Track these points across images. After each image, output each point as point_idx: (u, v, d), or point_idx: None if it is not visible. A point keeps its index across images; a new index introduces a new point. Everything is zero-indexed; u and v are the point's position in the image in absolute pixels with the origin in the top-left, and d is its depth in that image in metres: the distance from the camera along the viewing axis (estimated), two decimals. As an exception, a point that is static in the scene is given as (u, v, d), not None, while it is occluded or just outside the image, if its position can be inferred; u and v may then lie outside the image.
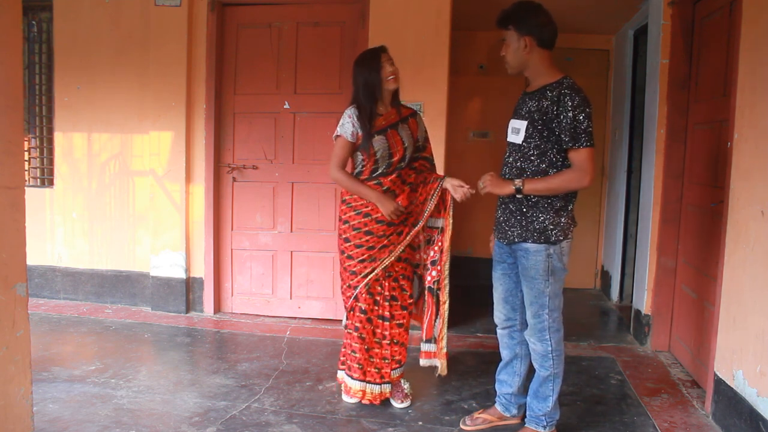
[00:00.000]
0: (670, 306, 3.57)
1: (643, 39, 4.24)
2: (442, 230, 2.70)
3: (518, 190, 2.29)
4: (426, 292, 2.73)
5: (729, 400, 2.52)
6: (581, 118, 2.19)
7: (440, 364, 2.72)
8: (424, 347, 2.75)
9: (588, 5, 4.25)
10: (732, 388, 2.49)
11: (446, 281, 2.68)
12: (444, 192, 2.68)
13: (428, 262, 2.74)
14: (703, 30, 3.30)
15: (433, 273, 2.70)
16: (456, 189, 2.62)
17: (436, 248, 2.71)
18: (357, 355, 2.71)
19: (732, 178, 2.59)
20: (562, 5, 4.15)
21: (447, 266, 2.68)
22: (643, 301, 3.69)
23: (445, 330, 2.69)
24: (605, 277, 5.06)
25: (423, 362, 2.75)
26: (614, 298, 4.80)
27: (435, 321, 2.70)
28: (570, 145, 2.21)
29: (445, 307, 2.69)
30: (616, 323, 4.32)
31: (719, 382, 2.61)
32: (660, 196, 3.56)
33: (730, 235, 2.60)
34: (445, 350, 2.70)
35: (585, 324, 4.19)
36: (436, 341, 2.72)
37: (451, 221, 2.68)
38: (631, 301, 4.06)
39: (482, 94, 5.27)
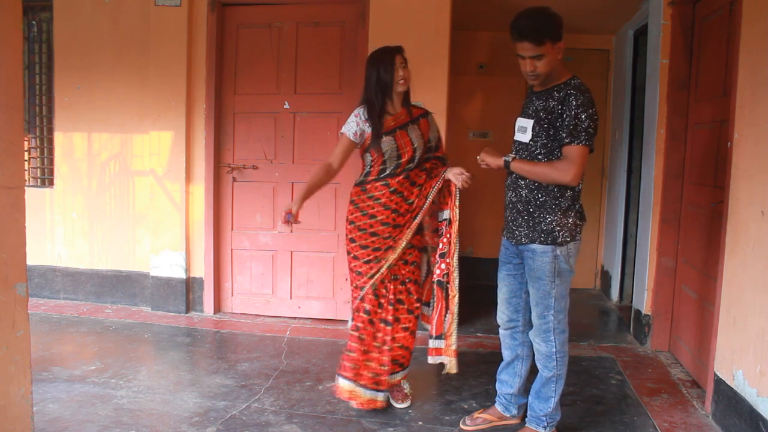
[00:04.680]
0: (670, 306, 3.57)
1: (643, 39, 4.24)
2: (450, 222, 2.66)
3: (507, 163, 2.34)
4: (435, 286, 2.66)
5: (729, 400, 2.52)
6: (583, 117, 2.19)
7: (449, 362, 2.63)
8: (433, 344, 2.66)
9: (588, 5, 4.25)
10: (732, 388, 2.49)
11: (455, 273, 2.60)
12: (449, 183, 2.64)
13: (437, 255, 2.67)
14: (703, 30, 3.30)
15: (442, 266, 2.63)
16: (457, 177, 2.59)
17: (444, 240, 2.65)
18: (353, 354, 2.67)
19: (732, 178, 2.59)
20: (563, 5, 4.11)
21: (456, 259, 2.61)
22: (643, 301, 3.69)
23: (454, 326, 2.60)
24: (605, 277, 5.06)
25: (431, 360, 2.67)
26: (614, 298, 4.80)
27: (445, 316, 2.63)
28: (567, 141, 2.20)
29: (454, 301, 2.61)
30: (616, 323, 4.32)
31: (719, 382, 2.61)
32: (660, 196, 3.56)
33: (730, 235, 2.60)
34: (454, 347, 2.60)
35: (585, 324, 4.19)
36: (445, 337, 2.64)
37: (457, 212, 2.62)
38: (631, 301, 4.05)
39: (482, 94, 5.27)
